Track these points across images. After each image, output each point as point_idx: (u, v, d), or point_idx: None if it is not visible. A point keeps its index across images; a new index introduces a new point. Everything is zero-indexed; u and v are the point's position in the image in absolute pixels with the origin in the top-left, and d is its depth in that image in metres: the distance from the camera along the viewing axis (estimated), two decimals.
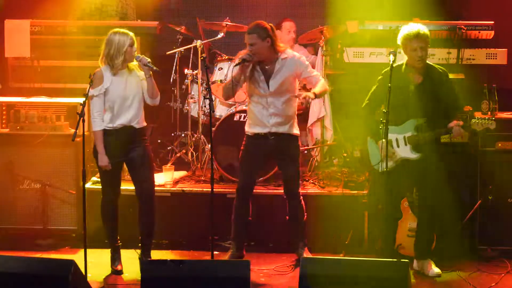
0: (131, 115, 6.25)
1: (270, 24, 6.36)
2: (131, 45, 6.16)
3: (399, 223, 6.64)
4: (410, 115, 6.14)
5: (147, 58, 6.18)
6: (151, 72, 6.19)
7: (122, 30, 6.22)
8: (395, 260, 5.20)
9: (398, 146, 6.20)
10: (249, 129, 6.51)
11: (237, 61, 6.29)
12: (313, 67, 7.99)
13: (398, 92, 6.03)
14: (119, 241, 6.51)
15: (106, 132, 6.24)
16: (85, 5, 8.43)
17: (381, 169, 6.11)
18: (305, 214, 6.57)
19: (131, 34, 6.22)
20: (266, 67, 6.37)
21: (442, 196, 6.32)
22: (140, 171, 6.36)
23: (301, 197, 6.56)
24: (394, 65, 6.05)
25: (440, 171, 6.22)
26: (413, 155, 6.17)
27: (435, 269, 6.32)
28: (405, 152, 6.19)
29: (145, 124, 6.41)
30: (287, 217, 6.63)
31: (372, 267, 5.00)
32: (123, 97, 6.21)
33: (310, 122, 8.00)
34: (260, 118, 6.42)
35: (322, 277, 4.95)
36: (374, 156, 6.30)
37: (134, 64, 6.29)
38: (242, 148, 6.52)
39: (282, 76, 6.34)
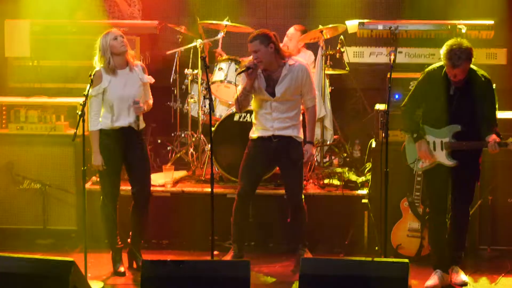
0: (131, 117, 6.25)
1: (273, 32, 6.36)
2: (115, 38, 6.20)
3: (399, 223, 6.66)
4: (450, 120, 6.03)
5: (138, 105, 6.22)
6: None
7: (106, 31, 6.28)
8: (395, 260, 5.20)
9: (434, 150, 6.11)
10: (253, 133, 6.51)
11: (239, 69, 6.27)
12: (315, 66, 8.03)
13: (438, 94, 6.01)
14: (119, 243, 6.51)
15: (105, 133, 6.26)
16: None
17: (416, 168, 6.16)
18: (307, 216, 6.56)
19: (114, 29, 6.28)
20: (271, 73, 6.35)
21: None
22: (137, 173, 6.40)
23: (304, 201, 6.53)
24: (437, 65, 6.05)
25: (474, 180, 6.15)
26: (449, 162, 6.06)
27: (463, 277, 6.20)
28: (441, 157, 6.08)
29: (144, 125, 6.42)
30: (289, 219, 6.63)
31: (372, 267, 4.99)
32: (122, 97, 6.22)
33: None
34: (263, 122, 6.42)
35: (322, 277, 4.95)
36: (411, 154, 6.22)
37: (136, 65, 6.32)
38: (246, 151, 6.52)
39: (288, 82, 6.32)
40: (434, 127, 6.11)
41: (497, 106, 6.76)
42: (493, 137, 5.93)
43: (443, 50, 5.93)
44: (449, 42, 5.95)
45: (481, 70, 6.11)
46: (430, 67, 6.16)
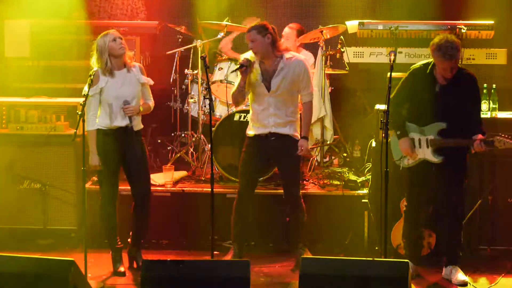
0: (128, 117, 6.24)
1: (272, 25, 6.36)
2: (113, 40, 6.18)
3: (399, 223, 6.65)
4: (435, 117, 6.05)
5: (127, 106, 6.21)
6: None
7: (105, 32, 6.25)
8: (395, 260, 5.20)
9: (420, 147, 6.14)
10: (249, 130, 6.51)
11: (234, 67, 6.28)
12: (314, 67, 8.02)
13: (423, 91, 6.03)
14: (119, 243, 6.51)
15: (103, 133, 6.25)
16: None
17: (402, 165, 6.18)
18: (305, 215, 6.56)
19: (112, 31, 6.25)
20: (268, 66, 6.35)
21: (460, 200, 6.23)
22: (136, 174, 6.39)
23: (302, 199, 6.53)
24: (423, 62, 6.09)
25: (461, 176, 6.15)
26: (435, 159, 6.08)
27: (463, 277, 6.21)
28: (426, 154, 6.11)
29: (142, 126, 6.41)
30: (287, 218, 6.63)
31: (372, 267, 5.00)
32: (119, 97, 6.21)
33: None
34: (260, 118, 6.41)
35: (322, 277, 4.95)
36: (397, 151, 6.25)
37: (134, 66, 6.31)
38: (243, 149, 6.52)
39: (285, 75, 6.30)
40: (419, 124, 6.13)
41: (496, 106, 6.80)
42: (479, 136, 5.93)
43: (431, 49, 5.94)
44: (435, 40, 5.97)
45: (466, 69, 6.14)
46: (415, 65, 6.19)
